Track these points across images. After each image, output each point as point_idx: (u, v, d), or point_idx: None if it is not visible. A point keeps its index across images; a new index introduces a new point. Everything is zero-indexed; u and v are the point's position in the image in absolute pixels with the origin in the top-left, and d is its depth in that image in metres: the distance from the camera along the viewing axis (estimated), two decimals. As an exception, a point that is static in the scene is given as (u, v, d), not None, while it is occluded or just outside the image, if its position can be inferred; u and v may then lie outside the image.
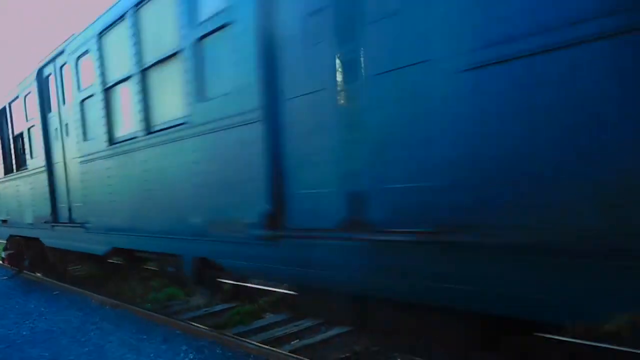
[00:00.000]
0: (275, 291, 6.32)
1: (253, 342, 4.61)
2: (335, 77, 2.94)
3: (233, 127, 3.64)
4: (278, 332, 5.10)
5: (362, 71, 2.79)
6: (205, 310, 6.16)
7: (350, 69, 2.86)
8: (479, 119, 2.28)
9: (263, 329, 5.26)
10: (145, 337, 5.19)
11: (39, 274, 9.31)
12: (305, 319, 5.25)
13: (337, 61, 2.91)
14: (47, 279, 8.76)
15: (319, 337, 4.81)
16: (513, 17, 2.16)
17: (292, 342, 4.78)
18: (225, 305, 6.29)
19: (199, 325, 5.36)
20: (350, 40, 2.84)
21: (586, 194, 1.97)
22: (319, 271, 3.14)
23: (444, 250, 2.44)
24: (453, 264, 2.42)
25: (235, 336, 4.85)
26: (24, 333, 5.70)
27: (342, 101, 2.91)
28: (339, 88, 2.93)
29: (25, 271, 9.70)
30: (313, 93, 3.07)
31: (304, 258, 3.22)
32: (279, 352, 4.30)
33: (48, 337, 5.47)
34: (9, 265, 9.70)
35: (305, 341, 4.77)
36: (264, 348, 4.43)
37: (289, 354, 4.25)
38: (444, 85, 2.40)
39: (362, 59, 2.79)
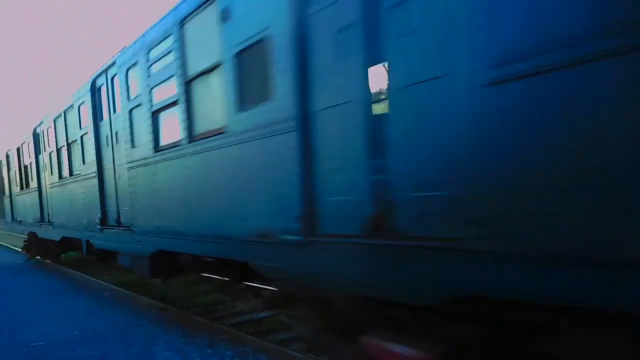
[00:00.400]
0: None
1: (297, 352, 4.56)
2: (362, 89, 3.04)
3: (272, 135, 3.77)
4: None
5: (389, 84, 2.89)
6: (250, 316, 6.13)
7: (377, 82, 2.98)
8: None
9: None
10: (190, 340, 5.24)
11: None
12: None
13: (365, 74, 3.03)
14: (95, 279, 9.13)
15: None
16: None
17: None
18: (269, 313, 6.17)
19: (244, 334, 5.29)
20: (377, 55, 2.95)
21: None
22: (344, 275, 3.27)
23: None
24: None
25: (279, 344, 4.79)
26: (76, 332, 5.88)
27: (365, 113, 3.06)
28: (364, 101, 3.04)
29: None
30: (341, 105, 3.19)
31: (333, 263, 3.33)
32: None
33: (97, 337, 5.65)
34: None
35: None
36: (309, 357, 4.37)
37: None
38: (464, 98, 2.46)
39: (388, 73, 2.89)
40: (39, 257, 13.47)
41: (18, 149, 13.57)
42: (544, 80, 2.11)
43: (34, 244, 13.41)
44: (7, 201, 15.81)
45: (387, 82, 2.89)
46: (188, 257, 5.74)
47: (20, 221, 13.86)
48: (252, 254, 4.10)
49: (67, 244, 10.08)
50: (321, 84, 3.33)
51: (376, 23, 2.93)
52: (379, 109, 2.96)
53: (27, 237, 13.89)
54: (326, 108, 3.31)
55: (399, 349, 3.01)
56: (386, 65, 2.90)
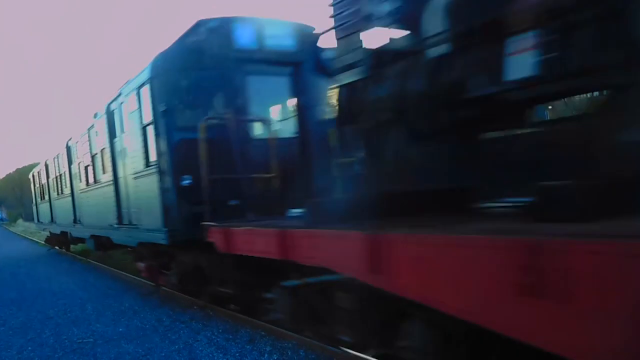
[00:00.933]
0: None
1: (336, 347, 4.57)
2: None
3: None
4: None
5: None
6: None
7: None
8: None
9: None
10: (231, 337, 5.32)
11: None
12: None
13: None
14: (142, 279, 9.32)
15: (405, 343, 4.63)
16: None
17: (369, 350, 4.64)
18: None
19: (283, 330, 5.27)
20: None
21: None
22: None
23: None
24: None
25: (317, 340, 4.81)
26: (120, 330, 6.05)
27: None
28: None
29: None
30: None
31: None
32: (361, 357, 4.21)
33: (142, 334, 5.79)
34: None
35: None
36: (348, 352, 4.39)
37: (373, 359, 4.16)
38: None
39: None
40: (57, 248, 18.21)
41: (54, 159, 14.20)
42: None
43: (53, 239, 18.17)
44: (46, 205, 16.68)
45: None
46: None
47: (56, 222, 15.74)
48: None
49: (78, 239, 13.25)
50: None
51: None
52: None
53: (49, 233, 18.78)
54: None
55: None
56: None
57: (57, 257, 16.29)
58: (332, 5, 3.96)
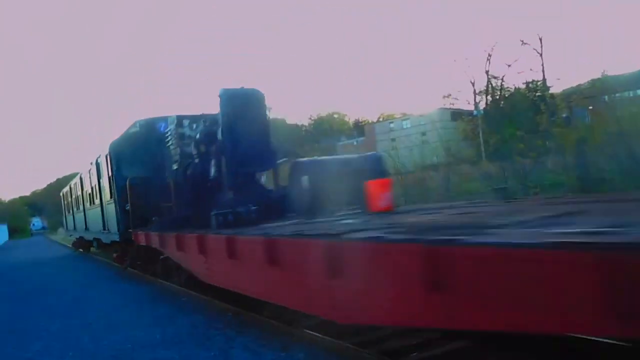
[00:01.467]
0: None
1: (372, 354, 4.57)
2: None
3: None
4: (397, 343, 4.89)
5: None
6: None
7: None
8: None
9: (381, 339, 5.05)
10: (265, 343, 5.37)
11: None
12: (426, 330, 4.81)
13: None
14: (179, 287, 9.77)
15: (440, 350, 4.55)
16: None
17: (412, 355, 4.63)
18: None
19: (317, 336, 5.30)
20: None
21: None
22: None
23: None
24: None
25: (353, 346, 4.80)
26: (157, 336, 6.14)
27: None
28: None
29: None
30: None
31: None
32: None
33: (177, 340, 5.88)
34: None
35: (426, 353, 4.60)
36: (382, 357, 4.40)
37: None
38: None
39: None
40: (81, 250, 23.48)
41: (74, 185, 20.32)
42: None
43: (77, 243, 24.00)
44: (70, 217, 23.09)
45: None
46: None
47: (76, 230, 22.25)
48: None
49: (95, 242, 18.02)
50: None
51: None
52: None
53: (75, 239, 24.55)
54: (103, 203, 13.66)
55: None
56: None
57: (88, 262, 19.14)
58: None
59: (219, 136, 7.79)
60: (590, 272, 2.03)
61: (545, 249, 2.26)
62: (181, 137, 9.12)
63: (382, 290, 3.27)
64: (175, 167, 9.28)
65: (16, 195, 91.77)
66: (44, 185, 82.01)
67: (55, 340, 6.64)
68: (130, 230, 10.77)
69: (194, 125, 9.05)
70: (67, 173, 48.44)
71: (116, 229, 11.80)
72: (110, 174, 12.07)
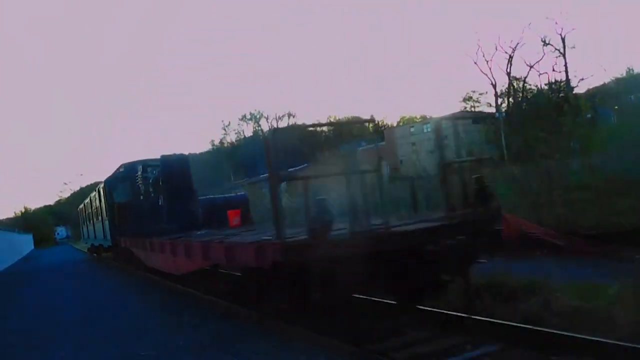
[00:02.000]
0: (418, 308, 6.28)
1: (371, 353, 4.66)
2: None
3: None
4: (421, 349, 4.90)
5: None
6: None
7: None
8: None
9: (405, 345, 5.09)
10: (286, 348, 5.46)
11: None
12: (450, 336, 5.00)
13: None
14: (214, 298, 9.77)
15: (465, 356, 4.58)
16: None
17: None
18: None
19: (337, 342, 5.33)
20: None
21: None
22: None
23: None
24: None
25: (375, 353, 4.86)
26: (181, 343, 6.33)
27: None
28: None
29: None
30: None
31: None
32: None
33: (201, 346, 6.04)
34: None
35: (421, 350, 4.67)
36: None
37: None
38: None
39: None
40: (95, 254, 27.46)
41: (87, 202, 26.20)
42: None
43: (91, 249, 28.41)
44: (85, 228, 29.04)
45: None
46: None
47: (89, 238, 27.75)
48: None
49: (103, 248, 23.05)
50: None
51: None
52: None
53: (89, 246, 29.12)
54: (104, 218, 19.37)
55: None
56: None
57: (96, 262, 24.56)
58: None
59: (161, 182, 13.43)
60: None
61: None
62: (145, 178, 14.84)
63: (189, 260, 8.67)
64: (141, 197, 14.95)
65: (41, 204, 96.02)
66: (68, 195, 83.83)
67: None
68: (117, 237, 16.42)
69: (154, 171, 14.58)
70: (92, 181, 49.59)
71: (110, 237, 17.64)
72: (105, 199, 17.98)
